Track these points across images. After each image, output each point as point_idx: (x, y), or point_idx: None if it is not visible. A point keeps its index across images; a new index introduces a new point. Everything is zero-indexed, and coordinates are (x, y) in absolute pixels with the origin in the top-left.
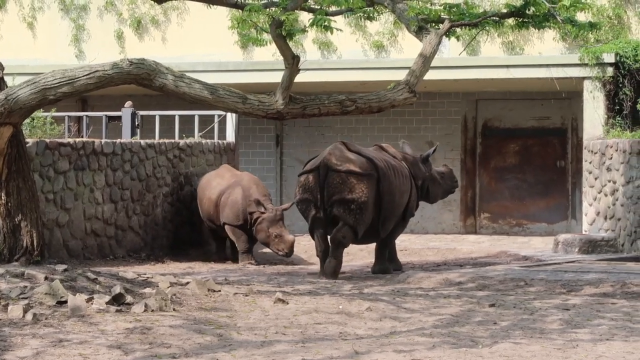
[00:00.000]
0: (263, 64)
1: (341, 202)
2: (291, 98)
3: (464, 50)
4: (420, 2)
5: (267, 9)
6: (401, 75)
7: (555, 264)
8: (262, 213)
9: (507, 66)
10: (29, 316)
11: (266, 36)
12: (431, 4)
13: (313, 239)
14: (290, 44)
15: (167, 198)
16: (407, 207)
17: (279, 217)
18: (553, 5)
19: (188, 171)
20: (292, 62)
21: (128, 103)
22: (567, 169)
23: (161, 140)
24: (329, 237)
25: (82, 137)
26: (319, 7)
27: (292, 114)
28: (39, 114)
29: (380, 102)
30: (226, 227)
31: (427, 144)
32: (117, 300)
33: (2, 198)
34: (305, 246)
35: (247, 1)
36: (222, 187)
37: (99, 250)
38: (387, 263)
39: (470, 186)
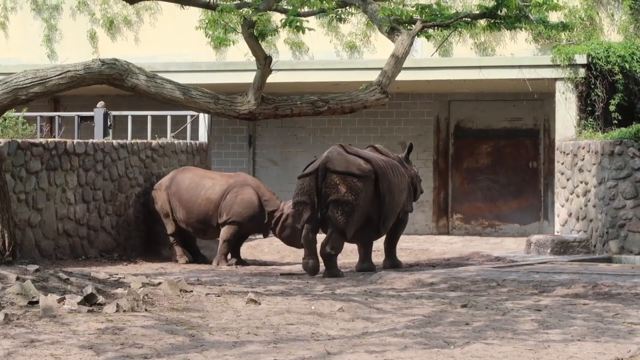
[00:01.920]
0: (235, 64)
1: (335, 203)
2: (263, 98)
3: (436, 51)
4: (392, 3)
5: (240, 10)
6: (374, 76)
7: (527, 264)
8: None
9: (479, 67)
10: (0, 316)
11: (233, 36)
12: (403, 5)
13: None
14: (263, 44)
15: (140, 198)
16: (406, 203)
17: None
18: (525, 4)
19: (161, 171)
20: (264, 63)
21: (100, 103)
22: (540, 170)
23: (133, 141)
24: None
25: (54, 137)
26: (291, 7)
27: (265, 115)
28: (11, 114)
29: (352, 102)
30: (227, 226)
31: (400, 144)
32: (88, 300)
33: None
34: (278, 247)
35: (219, 2)
36: (222, 187)
37: (71, 251)
38: (397, 259)
39: (443, 187)
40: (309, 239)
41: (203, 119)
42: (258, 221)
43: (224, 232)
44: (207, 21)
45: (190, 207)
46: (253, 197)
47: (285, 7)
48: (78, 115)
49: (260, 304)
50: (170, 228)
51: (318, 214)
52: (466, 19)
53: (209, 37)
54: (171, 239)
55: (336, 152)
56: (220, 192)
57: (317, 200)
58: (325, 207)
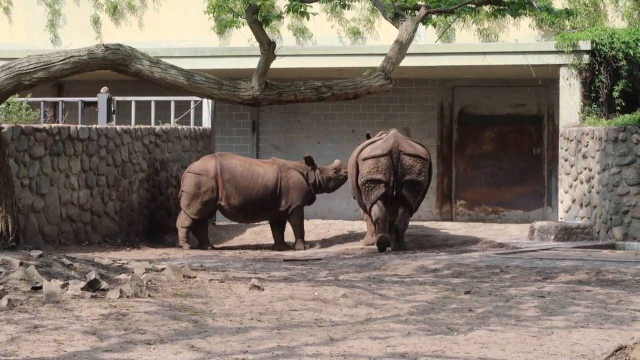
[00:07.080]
0: (239, 49)
1: (411, 183)
2: (267, 84)
3: (440, 37)
4: None
5: None
6: (377, 62)
7: (530, 251)
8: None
9: (483, 53)
10: (3, 302)
11: (241, 18)
12: None
13: (370, 210)
14: (266, 30)
15: (143, 184)
16: None
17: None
18: None
19: (164, 157)
20: (268, 48)
21: (104, 88)
22: (543, 156)
23: (137, 126)
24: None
25: (58, 122)
26: None
27: (268, 100)
28: (15, 99)
29: (356, 88)
30: (292, 212)
31: (404, 130)
32: (92, 286)
33: None
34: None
35: None
36: (273, 174)
37: (74, 236)
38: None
39: (447, 173)
40: (384, 216)
41: (207, 105)
42: (310, 196)
43: (292, 218)
44: (214, 8)
45: (249, 193)
46: (300, 178)
47: None
48: (82, 101)
49: (263, 290)
50: (199, 214)
51: (392, 192)
52: (470, 5)
53: (218, 21)
54: (189, 223)
55: (401, 138)
56: (273, 178)
57: (392, 179)
58: (399, 186)
